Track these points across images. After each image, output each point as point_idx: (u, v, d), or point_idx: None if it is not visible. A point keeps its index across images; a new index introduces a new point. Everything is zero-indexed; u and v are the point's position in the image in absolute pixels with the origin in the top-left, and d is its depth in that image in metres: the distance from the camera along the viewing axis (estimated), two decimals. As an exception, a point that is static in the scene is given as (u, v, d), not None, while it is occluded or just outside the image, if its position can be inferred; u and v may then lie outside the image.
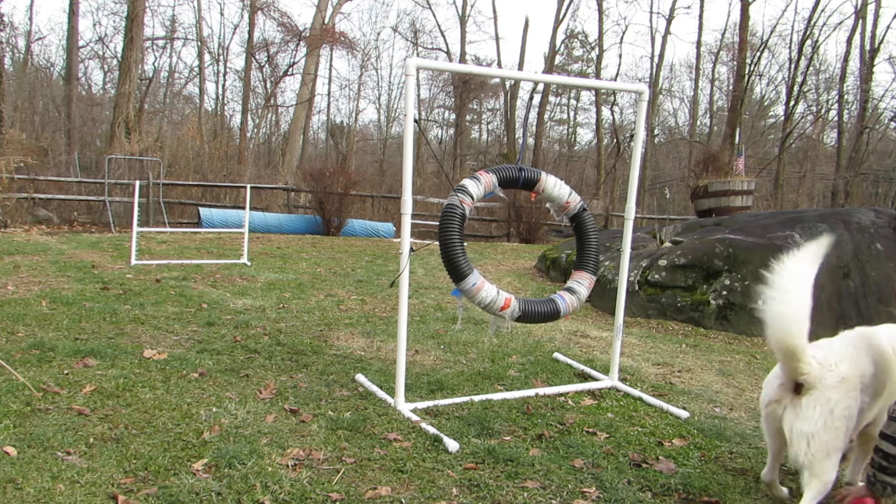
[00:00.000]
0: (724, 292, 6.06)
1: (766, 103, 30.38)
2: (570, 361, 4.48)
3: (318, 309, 5.87)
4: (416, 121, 3.32)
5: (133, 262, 7.89)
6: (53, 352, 3.93)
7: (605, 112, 29.32)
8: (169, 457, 2.62)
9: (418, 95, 30.59)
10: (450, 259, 3.48)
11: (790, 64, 24.91)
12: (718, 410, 3.69)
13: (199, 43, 25.94)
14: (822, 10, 26.66)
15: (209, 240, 11.13)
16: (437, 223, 3.65)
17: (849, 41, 23.90)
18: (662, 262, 6.62)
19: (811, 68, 25.06)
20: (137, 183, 9.09)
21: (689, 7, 50.13)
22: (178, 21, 30.20)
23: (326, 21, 23.93)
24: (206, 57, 26.68)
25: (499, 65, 29.95)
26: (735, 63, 23.35)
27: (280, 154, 25.06)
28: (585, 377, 4.16)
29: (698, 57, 28.90)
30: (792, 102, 24.13)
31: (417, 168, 24.15)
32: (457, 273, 3.49)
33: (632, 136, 3.96)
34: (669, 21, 27.77)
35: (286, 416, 3.17)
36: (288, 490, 2.40)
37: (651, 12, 43.01)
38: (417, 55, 29.56)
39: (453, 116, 29.91)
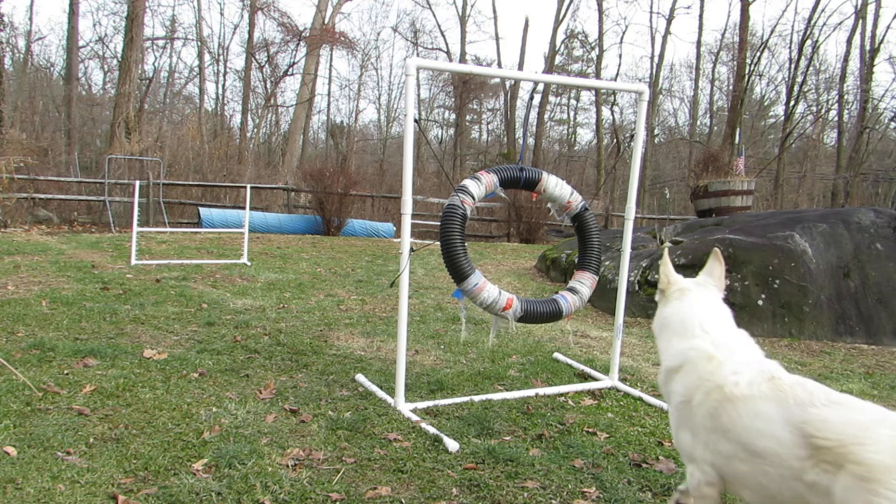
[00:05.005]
0: (724, 292, 6.06)
1: (766, 103, 30.40)
2: (570, 361, 4.48)
3: (318, 309, 5.87)
4: (416, 121, 3.32)
5: (133, 262, 7.89)
6: (53, 352, 3.93)
7: (605, 112, 29.34)
8: (169, 457, 2.62)
9: (418, 95, 30.59)
10: (451, 259, 3.48)
11: (790, 64, 24.93)
12: (718, 410, 3.68)
13: (199, 43, 25.95)
14: (822, 10, 26.71)
15: (209, 240, 11.13)
16: (438, 223, 3.66)
17: (849, 41, 23.91)
18: (662, 262, 6.61)
19: (811, 68, 25.07)
20: (137, 183, 9.09)
21: (689, 7, 50.14)
22: (178, 21, 30.22)
23: (326, 21, 23.94)
24: (206, 57, 26.70)
25: (499, 65, 29.96)
26: (735, 63, 23.35)
27: (280, 154, 25.07)
28: (585, 377, 4.16)
29: (698, 57, 28.93)
30: (792, 102, 24.14)
31: (417, 168, 24.16)
32: (458, 273, 3.48)
33: (632, 136, 3.96)
34: (669, 21, 27.79)
35: (286, 416, 3.17)
36: (288, 490, 2.40)
37: (651, 12, 43.05)
38: (417, 55, 29.56)
39: (453, 116, 29.91)
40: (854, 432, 1.52)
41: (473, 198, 3.54)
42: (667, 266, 2.16)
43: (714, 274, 2.20)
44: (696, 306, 2.05)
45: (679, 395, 1.95)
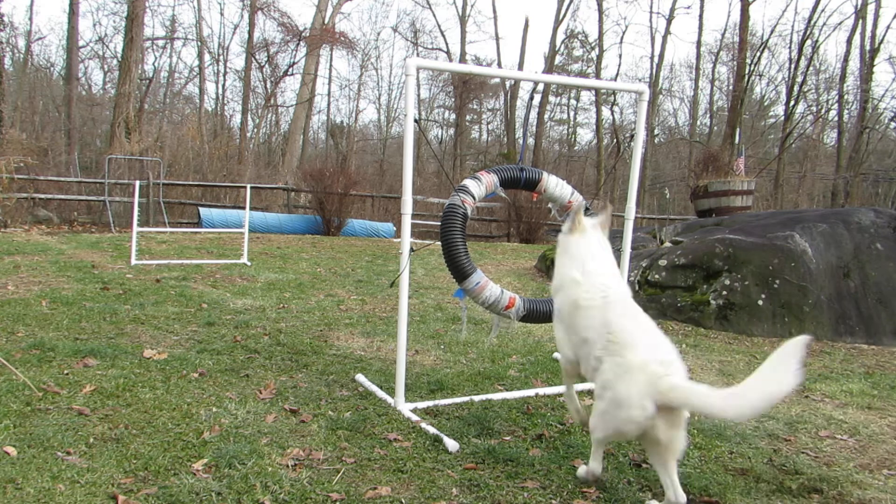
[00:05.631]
0: (724, 292, 6.06)
1: (766, 103, 30.40)
2: (570, 361, 4.47)
3: (318, 309, 5.87)
4: (416, 121, 3.32)
5: (133, 262, 7.89)
6: (53, 352, 3.93)
7: (605, 112, 29.34)
8: (169, 457, 2.62)
9: (418, 95, 30.59)
10: (452, 258, 3.48)
11: (790, 64, 24.94)
12: (718, 410, 3.68)
13: (199, 43, 25.95)
14: (822, 10, 26.66)
15: (209, 240, 11.13)
16: (437, 223, 3.67)
17: (849, 41, 23.92)
18: (662, 262, 6.61)
19: (811, 68, 25.07)
20: (137, 183, 9.09)
21: (689, 7, 49.99)
22: (178, 21, 30.21)
23: (326, 21, 23.94)
24: (206, 57, 26.71)
25: (499, 65, 29.96)
26: (735, 63, 23.35)
27: (280, 154, 25.08)
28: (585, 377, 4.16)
29: (698, 57, 28.93)
30: (792, 102, 24.14)
31: (417, 168, 24.16)
32: (459, 272, 3.48)
33: (632, 136, 3.96)
34: (669, 21, 27.79)
35: (286, 416, 3.17)
36: (288, 490, 2.40)
37: (651, 12, 43.02)
38: (417, 55, 29.56)
39: (453, 116, 29.91)
40: (628, 339, 2.42)
41: (474, 197, 3.54)
42: (580, 214, 2.90)
43: (602, 221, 2.94)
44: (589, 246, 2.79)
45: (557, 308, 2.81)
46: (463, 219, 3.50)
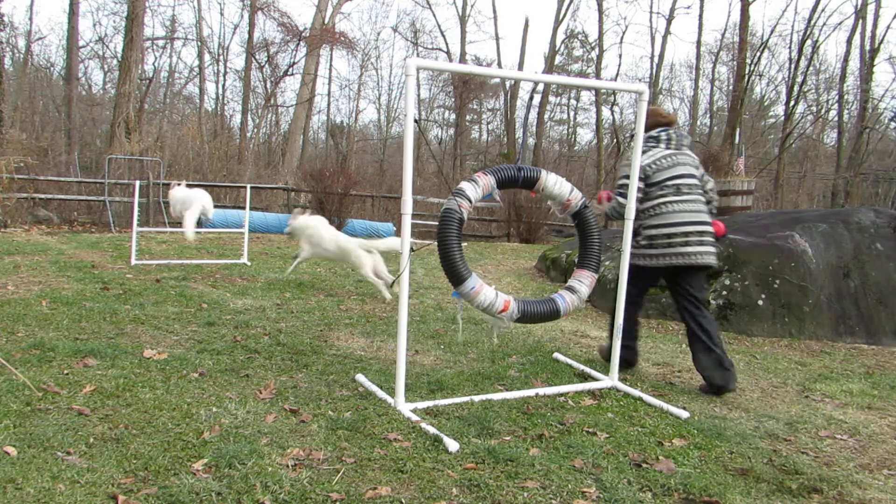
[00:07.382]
0: (724, 292, 6.06)
1: (766, 103, 30.39)
2: (570, 361, 4.48)
3: (318, 309, 5.87)
4: (416, 121, 3.32)
5: (133, 262, 7.89)
6: (53, 352, 3.93)
7: (605, 112, 29.32)
8: (169, 457, 2.62)
9: (418, 95, 30.58)
10: (448, 263, 3.49)
11: (790, 64, 24.91)
12: (718, 410, 3.69)
13: (199, 43, 25.95)
14: (822, 10, 26.63)
15: (209, 240, 11.14)
16: (437, 223, 3.68)
17: (849, 41, 23.91)
18: (662, 262, 6.61)
19: (811, 68, 25.05)
20: (137, 183, 9.08)
21: (689, 7, 50.10)
22: (178, 21, 30.20)
23: (326, 21, 23.92)
24: (206, 57, 26.70)
25: (499, 65, 29.95)
26: (735, 63, 23.34)
27: (280, 154, 25.07)
28: (585, 377, 4.16)
29: (698, 57, 28.91)
30: (792, 102, 24.12)
31: (417, 168, 24.16)
32: (455, 277, 3.49)
33: (632, 136, 3.96)
34: (669, 21, 27.78)
35: (286, 416, 3.17)
36: (288, 490, 2.40)
37: (651, 12, 43.06)
38: (417, 55, 29.55)
39: (453, 116, 29.91)
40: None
41: (470, 201, 3.55)
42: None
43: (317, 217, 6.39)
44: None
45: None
46: (459, 224, 3.51)
